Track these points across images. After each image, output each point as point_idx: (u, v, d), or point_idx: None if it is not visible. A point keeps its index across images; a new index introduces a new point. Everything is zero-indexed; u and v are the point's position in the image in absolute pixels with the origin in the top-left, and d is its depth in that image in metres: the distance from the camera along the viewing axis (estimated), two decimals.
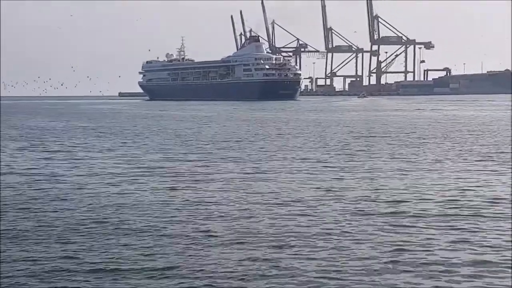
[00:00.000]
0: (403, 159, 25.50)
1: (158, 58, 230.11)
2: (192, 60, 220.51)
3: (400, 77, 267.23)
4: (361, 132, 43.13)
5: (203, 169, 23.30)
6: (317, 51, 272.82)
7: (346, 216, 14.22)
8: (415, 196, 16.81)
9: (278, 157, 26.81)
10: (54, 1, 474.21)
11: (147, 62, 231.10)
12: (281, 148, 31.37)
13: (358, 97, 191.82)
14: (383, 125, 50.83)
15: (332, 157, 26.69)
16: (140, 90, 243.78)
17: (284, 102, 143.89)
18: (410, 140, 35.42)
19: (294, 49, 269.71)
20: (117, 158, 27.05)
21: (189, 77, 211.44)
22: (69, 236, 12.57)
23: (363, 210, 14.92)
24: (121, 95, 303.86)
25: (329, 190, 17.98)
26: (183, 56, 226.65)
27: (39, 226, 13.60)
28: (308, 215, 14.53)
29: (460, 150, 29.11)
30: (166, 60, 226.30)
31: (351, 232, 12.66)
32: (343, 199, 16.49)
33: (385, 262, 10.58)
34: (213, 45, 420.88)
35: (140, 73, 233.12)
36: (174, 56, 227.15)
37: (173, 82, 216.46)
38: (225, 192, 18.05)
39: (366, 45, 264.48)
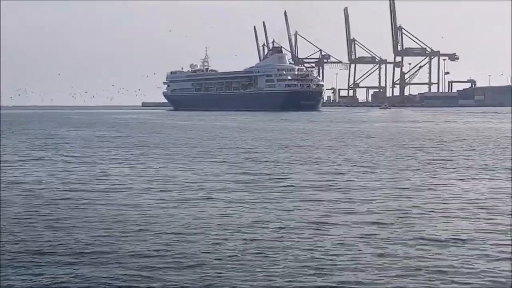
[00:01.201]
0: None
1: (182, 68, 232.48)
2: (215, 71, 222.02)
3: (424, 89, 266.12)
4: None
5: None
6: (340, 62, 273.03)
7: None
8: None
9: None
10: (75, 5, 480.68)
11: (171, 72, 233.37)
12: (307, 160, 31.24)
13: (380, 108, 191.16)
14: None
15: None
16: (163, 100, 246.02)
17: (306, 113, 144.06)
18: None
19: (317, 60, 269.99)
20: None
21: (212, 87, 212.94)
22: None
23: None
24: (144, 105, 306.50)
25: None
26: (207, 67, 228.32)
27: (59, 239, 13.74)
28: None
29: None
30: (190, 71, 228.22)
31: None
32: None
33: None
34: (237, 56, 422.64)
35: (164, 83, 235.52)
36: (198, 67, 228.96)
37: (197, 92, 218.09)
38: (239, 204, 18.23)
39: (390, 56, 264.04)
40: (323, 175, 23.91)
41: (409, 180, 22.61)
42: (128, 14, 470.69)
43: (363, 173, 24.85)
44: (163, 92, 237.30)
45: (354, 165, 27.69)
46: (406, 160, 30.06)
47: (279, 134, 55.20)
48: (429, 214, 15.93)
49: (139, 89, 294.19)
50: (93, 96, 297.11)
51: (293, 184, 21.42)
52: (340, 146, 39.76)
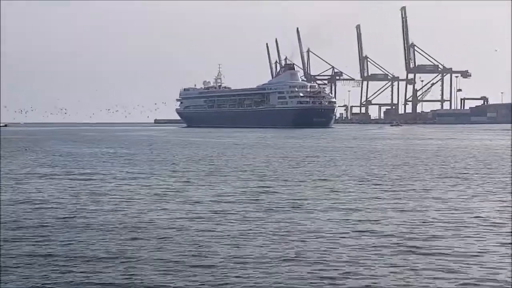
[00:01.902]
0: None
1: (195, 85, 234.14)
2: (228, 88, 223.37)
3: (436, 106, 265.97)
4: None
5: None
6: (353, 79, 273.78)
7: None
8: None
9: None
10: (82, 24, 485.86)
11: (184, 89, 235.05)
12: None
13: (391, 126, 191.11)
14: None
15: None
16: (175, 117, 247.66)
17: (318, 130, 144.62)
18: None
19: (329, 77, 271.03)
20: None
21: (225, 104, 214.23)
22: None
23: None
24: (157, 122, 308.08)
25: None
26: (219, 84, 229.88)
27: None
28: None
29: None
30: (203, 88, 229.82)
31: None
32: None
33: None
34: (250, 73, 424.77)
35: (177, 100, 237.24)
36: (211, 84, 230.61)
37: (210, 109, 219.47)
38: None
39: (402, 74, 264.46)
40: (335, 192, 24.20)
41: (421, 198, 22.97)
42: (141, 31, 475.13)
43: (373, 190, 25.21)
44: (176, 109, 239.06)
45: (363, 182, 28.14)
46: (417, 178, 30.46)
47: (291, 151, 55.72)
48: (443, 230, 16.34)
49: (155, 104, 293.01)
50: (113, 112, 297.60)
51: (306, 200, 21.79)
52: (350, 163, 40.27)
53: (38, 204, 21.31)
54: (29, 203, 21.55)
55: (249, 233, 15.90)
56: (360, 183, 27.81)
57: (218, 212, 19.37)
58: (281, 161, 41.78)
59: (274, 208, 20.02)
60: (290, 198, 22.42)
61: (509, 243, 14.56)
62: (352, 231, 16.11)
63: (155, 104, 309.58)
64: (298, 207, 20.25)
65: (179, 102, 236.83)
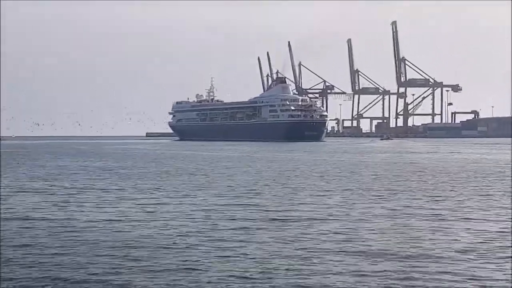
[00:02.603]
0: None
1: (188, 98, 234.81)
2: (221, 101, 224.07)
3: (427, 120, 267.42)
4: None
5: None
6: (344, 92, 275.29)
7: None
8: None
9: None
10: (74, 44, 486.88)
11: (177, 102, 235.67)
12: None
13: (381, 139, 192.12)
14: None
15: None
16: (167, 131, 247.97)
17: (309, 143, 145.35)
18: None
19: (320, 90, 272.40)
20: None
21: (217, 117, 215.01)
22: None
23: None
24: (149, 135, 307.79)
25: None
26: (212, 97, 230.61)
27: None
28: None
29: None
30: (196, 101, 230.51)
31: None
32: None
33: None
34: (242, 86, 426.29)
35: (170, 113, 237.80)
36: (204, 97, 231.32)
37: (202, 122, 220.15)
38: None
39: (393, 87, 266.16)
40: (330, 207, 24.23)
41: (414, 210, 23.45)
42: (133, 44, 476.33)
43: (368, 203, 25.55)
44: (169, 122, 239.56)
45: (358, 195, 28.57)
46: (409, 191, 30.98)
47: (283, 164, 56.32)
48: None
49: (144, 113, 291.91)
50: (91, 126, 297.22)
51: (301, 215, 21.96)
52: (341, 176, 40.91)
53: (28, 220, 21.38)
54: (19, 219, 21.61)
55: (236, 248, 16.10)
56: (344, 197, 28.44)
57: (207, 227, 19.44)
58: (271, 175, 42.37)
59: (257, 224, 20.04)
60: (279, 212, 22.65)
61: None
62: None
63: (144, 115, 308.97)
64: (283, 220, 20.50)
65: (171, 116, 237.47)
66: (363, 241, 16.84)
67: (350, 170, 47.73)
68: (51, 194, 30.19)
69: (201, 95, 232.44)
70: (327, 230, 18.76)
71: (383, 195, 28.59)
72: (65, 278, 13.20)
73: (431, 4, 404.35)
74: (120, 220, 21.26)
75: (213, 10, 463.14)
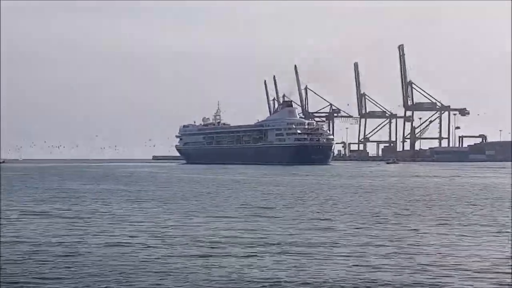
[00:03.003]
0: None
1: (194, 122, 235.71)
2: (227, 124, 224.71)
3: (434, 143, 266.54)
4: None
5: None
6: (351, 116, 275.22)
7: None
8: None
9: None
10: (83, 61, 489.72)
11: (184, 126, 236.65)
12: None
13: (387, 163, 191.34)
14: None
15: None
16: (174, 154, 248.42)
17: (315, 167, 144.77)
18: None
19: (327, 114, 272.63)
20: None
21: (223, 141, 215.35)
22: None
23: None
24: (155, 158, 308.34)
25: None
26: (218, 120, 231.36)
27: None
28: None
29: None
30: (202, 124, 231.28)
31: None
32: None
33: None
34: (249, 109, 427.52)
35: (177, 136, 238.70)
36: (210, 120, 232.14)
37: (208, 145, 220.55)
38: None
39: (400, 111, 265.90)
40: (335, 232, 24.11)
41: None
42: (139, 66, 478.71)
43: (372, 228, 25.41)
44: (176, 145, 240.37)
45: (363, 220, 28.36)
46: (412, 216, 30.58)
47: (289, 188, 55.99)
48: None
49: (150, 140, 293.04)
50: (103, 148, 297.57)
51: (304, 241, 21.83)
52: (348, 201, 40.45)
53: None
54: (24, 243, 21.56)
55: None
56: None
57: (214, 252, 19.45)
58: (277, 199, 41.94)
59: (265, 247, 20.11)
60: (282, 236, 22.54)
61: None
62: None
63: (150, 140, 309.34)
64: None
65: (178, 139, 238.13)
66: (371, 269, 16.58)
67: (358, 194, 47.29)
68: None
69: (208, 118, 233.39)
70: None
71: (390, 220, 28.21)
72: None
73: (438, 28, 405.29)
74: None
75: (219, 33, 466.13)
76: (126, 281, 15.14)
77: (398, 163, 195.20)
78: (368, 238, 22.46)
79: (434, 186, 59.45)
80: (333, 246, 20.55)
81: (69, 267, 16.75)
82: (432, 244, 20.95)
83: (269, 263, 17.42)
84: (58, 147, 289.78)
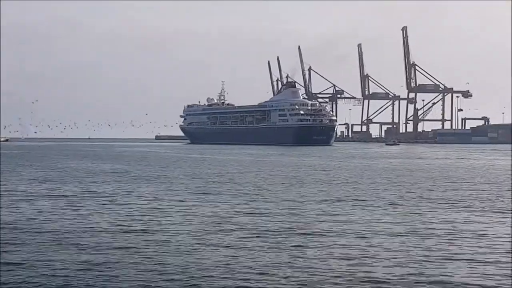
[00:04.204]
0: None
1: (199, 102, 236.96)
2: (232, 105, 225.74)
3: (437, 125, 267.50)
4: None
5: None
6: (354, 97, 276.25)
7: None
8: None
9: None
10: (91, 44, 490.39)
11: (188, 106, 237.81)
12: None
13: (386, 144, 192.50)
14: None
15: None
16: (177, 134, 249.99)
17: (316, 147, 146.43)
18: None
19: (330, 95, 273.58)
20: None
21: (227, 121, 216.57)
22: None
23: None
24: (158, 138, 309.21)
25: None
26: (223, 101, 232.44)
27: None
28: None
29: None
30: (207, 104, 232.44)
31: None
32: None
33: None
34: (253, 89, 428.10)
35: (181, 116, 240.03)
36: (215, 101, 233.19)
37: (212, 126, 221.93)
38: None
39: (403, 93, 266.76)
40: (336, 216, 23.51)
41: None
42: (145, 48, 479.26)
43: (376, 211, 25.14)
44: (180, 125, 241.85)
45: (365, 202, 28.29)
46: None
47: (292, 169, 57.52)
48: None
49: (165, 122, 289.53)
50: (110, 127, 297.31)
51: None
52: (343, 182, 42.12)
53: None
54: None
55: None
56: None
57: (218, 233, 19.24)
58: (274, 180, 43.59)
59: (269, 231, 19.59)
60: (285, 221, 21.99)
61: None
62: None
63: (153, 123, 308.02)
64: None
65: (182, 119, 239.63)
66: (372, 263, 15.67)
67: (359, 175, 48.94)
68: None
69: (212, 99, 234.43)
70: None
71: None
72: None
73: (441, 10, 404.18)
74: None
75: (224, 14, 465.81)
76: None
77: (398, 144, 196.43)
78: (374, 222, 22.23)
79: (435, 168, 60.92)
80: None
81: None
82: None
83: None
84: (57, 126, 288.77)
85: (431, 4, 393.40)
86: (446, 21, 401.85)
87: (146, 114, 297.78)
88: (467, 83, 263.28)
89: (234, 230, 19.78)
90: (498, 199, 30.03)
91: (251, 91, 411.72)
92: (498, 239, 18.51)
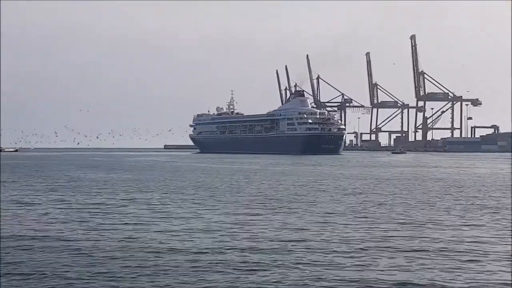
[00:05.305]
0: None
1: (208, 111, 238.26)
2: (241, 114, 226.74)
3: (446, 134, 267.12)
4: None
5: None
6: (362, 106, 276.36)
7: None
8: None
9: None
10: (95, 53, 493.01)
11: (198, 115, 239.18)
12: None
13: (393, 153, 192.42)
14: None
15: None
16: (186, 143, 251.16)
17: (323, 156, 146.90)
18: None
19: (339, 104, 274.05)
20: None
21: (236, 130, 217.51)
22: None
23: None
24: (167, 147, 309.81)
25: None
26: (232, 110, 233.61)
27: None
28: None
29: None
30: (216, 114, 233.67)
31: None
32: None
33: None
34: (262, 99, 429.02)
35: (191, 125, 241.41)
36: (224, 110, 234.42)
37: (221, 135, 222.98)
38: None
39: (412, 101, 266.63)
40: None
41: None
42: (156, 57, 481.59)
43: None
44: (190, 134, 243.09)
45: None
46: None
47: (298, 178, 58.12)
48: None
49: (171, 129, 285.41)
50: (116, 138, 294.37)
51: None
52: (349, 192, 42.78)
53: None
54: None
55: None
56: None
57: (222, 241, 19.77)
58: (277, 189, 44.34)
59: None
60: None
61: None
62: None
63: (164, 131, 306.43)
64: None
65: (192, 128, 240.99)
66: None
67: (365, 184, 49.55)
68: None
69: (222, 108, 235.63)
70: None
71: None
72: None
73: (451, 18, 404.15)
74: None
75: (233, 22, 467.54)
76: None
77: (405, 153, 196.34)
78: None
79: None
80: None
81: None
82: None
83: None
84: (73, 131, 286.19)
85: (431, 4, 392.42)
86: (446, 21, 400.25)
87: (164, 131, 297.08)
88: (468, 91, 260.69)
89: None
90: None
91: (260, 100, 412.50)
92: None
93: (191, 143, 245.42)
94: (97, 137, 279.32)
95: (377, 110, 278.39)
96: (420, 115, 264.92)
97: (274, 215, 26.71)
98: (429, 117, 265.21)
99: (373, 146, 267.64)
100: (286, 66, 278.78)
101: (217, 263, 16.42)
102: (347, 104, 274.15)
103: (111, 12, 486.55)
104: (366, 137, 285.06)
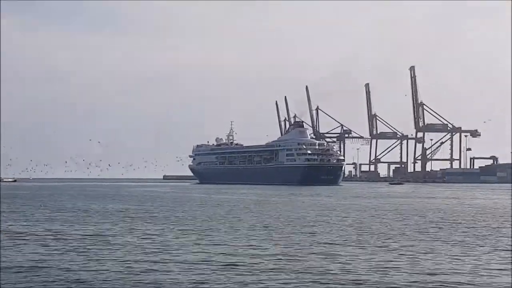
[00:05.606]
0: None
1: (208, 142, 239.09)
2: (240, 144, 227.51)
3: (445, 165, 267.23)
4: None
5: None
6: (361, 137, 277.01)
7: None
8: None
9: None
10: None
11: (197, 146, 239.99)
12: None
13: (390, 184, 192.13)
14: None
15: None
16: (185, 173, 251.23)
17: (322, 187, 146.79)
18: None
19: (338, 135, 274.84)
20: None
21: (235, 161, 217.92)
22: None
23: None
24: (166, 178, 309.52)
25: None
26: (231, 140, 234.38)
27: None
28: None
29: None
30: (215, 144, 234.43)
31: None
32: None
33: None
34: (262, 129, 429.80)
35: (190, 156, 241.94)
36: (223, 140, 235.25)
37: (221, 165, 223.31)
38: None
39: (411, 132, 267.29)
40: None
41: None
42: (154, 87, 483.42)
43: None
44: (189, 165, 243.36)
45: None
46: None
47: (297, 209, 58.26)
48: None
49: (179, 158, 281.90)
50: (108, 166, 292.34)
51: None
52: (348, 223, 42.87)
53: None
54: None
55: None
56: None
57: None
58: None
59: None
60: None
61: None
62: None
63: (161, 161, 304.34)
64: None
65: (191, 158, 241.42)
66: None
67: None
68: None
69: (221, 139, 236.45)
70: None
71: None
72: None
73: (449, 49, 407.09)
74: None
75: (232, 53, 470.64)
76: None
77: (403, 184, 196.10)
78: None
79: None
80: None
81: None
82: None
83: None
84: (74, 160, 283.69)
85: (431, 34, 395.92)
86: (445, 53, 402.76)
87: (156, 162, 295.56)
88: (466, 121, 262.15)
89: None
90: None
91: (260, 131, 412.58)
92: None
93: (190, 173, 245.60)
94: (88, 168, 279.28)
95: (376, 141, 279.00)
96: (419, 146, 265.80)
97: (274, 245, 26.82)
98: (428, 148, 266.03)
99: (372, 177, 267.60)
100: (285, 97, 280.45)
101: None
102: (346, 135, 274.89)
103: (111, 42, 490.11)
104: (365, 168, 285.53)
